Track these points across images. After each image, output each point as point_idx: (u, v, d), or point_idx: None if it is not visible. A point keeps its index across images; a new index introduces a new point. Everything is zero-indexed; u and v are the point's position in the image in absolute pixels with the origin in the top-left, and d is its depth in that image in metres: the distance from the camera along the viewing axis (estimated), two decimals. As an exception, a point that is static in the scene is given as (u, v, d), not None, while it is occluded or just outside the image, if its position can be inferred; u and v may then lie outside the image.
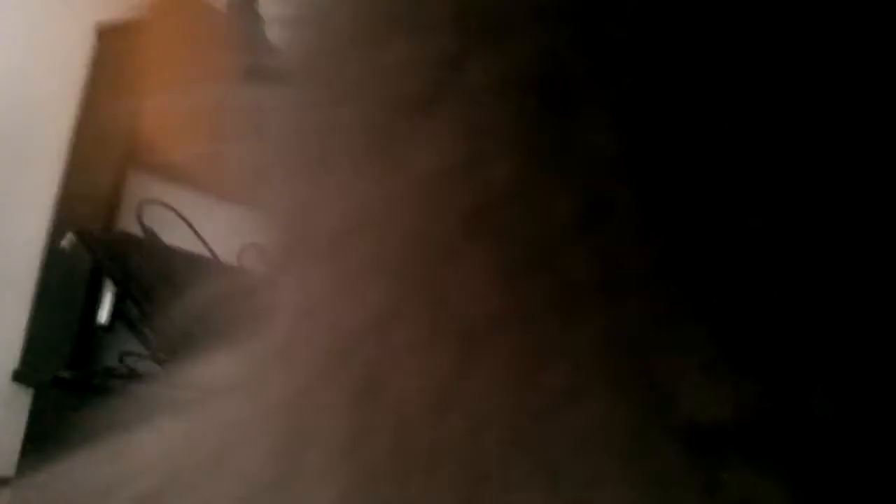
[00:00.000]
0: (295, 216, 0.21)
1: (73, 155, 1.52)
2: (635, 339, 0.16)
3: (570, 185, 0.16)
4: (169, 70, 1.06)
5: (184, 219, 1.60)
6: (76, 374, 1.43)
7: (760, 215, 0.16)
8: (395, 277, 0.17)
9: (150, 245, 1.55)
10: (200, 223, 1.47)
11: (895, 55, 0.16)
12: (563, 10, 0.16)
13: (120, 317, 1.47)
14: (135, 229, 1.55)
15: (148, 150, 1.42)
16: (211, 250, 1.38)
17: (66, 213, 1.50)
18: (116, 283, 1.46)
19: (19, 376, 1.49)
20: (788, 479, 0.18)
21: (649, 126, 0.16)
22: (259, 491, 0.19)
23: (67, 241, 1.47)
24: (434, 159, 0.17)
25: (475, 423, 0.16)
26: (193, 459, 0.24)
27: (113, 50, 1.50)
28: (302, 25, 0.23)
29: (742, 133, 0.16)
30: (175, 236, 1.56)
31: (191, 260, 1.39)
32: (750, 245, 0.17)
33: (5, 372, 1.49)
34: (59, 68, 1.49)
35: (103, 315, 1.44)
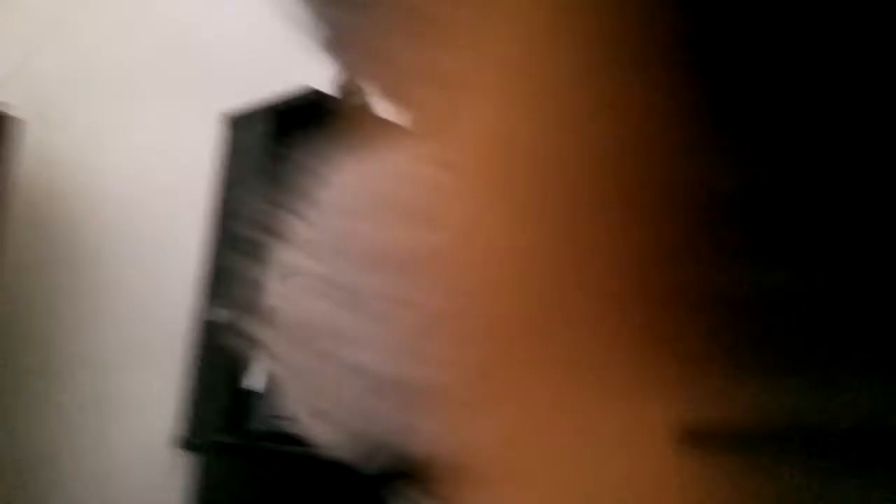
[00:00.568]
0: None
1: (212, 234, 1.65)
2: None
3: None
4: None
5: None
6: (234, 439, 1.53)
7: None
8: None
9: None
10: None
11: None
12: None
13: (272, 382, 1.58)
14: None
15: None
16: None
17: (212, 286, 1.63)
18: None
19: (181, 442, 1.61)
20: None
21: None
22: None
23: (215, 314, 1.60)
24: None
25: None
26: None
27: (239, 136, 1.63)
28: None
29: None
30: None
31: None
32: None
33: (165, 438, 1.61)
34: (193, 154, 1.64)
35: (254, 381, 1.56)
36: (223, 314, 1.54)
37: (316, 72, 1.49)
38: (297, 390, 0.43)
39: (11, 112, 1.09)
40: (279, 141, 1.56)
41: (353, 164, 0.47)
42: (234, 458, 1.59)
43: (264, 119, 1.57)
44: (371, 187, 0.42)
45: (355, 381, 0.38)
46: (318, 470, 1.68)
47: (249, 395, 1.56)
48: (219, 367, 1.57)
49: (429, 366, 0.31)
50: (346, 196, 0.43)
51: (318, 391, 0.40)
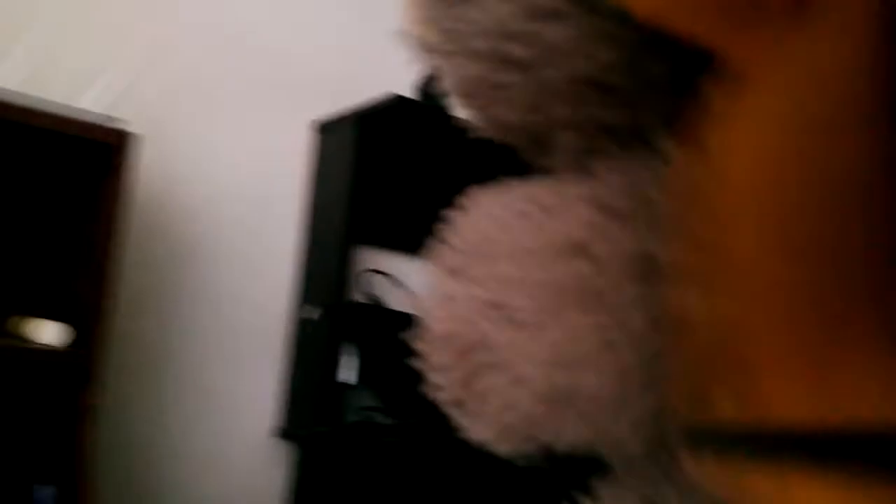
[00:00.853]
0: None
1: (304, 236, 1.74)
2: None
3: None
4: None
5: (400, 283, 1.79)
6: (329, 429, 1.61)
7: None
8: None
9: (376, 309, 1.74)
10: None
11: None
12: None
13: (361, 375, 1.66)
14: (360, 297, 1.75)
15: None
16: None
17: (305, 285, 1.72)
18: (355, 346, 1.66)
19: (280, 432, 1.71)
20: None
21: None
22: None
23: (309, 311, 1.69)
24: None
25: None
26: None
27: (328, 142, 1.71)
28: None
29: None
30: (393, 298, 1.74)
31: (409, 319, 1.52)
32: None
33: (265, 429, 1.71)
34: (285, 161, 1.73)
35: (347, 374, 1.64)
36: (315, 312, 1.62)
37: (399, 79, 1.55)
38: (455, 395, 0.47)
39: (128, 128, 1.18)
40: (366, 145, 1.63)
41: (497, 198, 0.50)
42: (329, 448, 1.67)
43: (352, 125, 1.64)
44: (516, 222, 0.46)
45: (516, 390, 0.42)
46: (407, 458, 1.74)
47: (343, 388, 1.64)
48: (314, 361, 1.66)
49: (587, 371, 0.35)
50: (491, 229, 0.47)
51: (477, 397, 0.44)
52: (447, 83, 0.42)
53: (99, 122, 1.17)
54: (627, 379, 0.38)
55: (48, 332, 1.13)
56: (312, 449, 1.69)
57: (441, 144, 1.72)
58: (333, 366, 1.63)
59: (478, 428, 0.44)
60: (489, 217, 0.48)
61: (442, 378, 0.46)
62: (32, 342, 1.13)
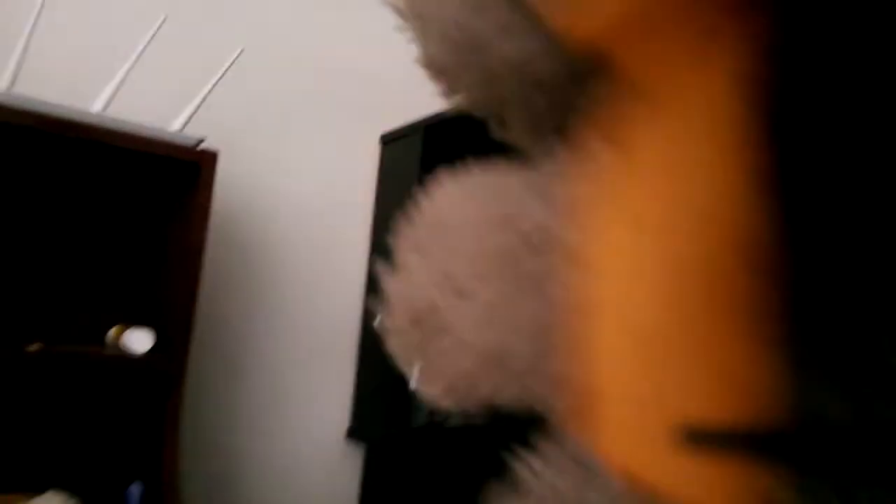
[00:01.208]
0: None
1: (373, 245, 1.80)
2: None
3: None
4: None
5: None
6: (401, 432, 1.66)
7: None
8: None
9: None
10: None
11: None
12: None
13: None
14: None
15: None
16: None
17: (375, 293, 1.77)
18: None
19: (353, 433, 1.77)
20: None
21: None
22: None
23: (378, 318, 1.74)
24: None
25: None
26: None
27: (395, 154, 1.77)
28: None
29: None
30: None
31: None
32: None
33: (340, 430, 1.77)
34: (355, 173, 1.79)
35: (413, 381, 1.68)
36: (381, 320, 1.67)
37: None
38: (409, 357, 0.51)
39: (209, 147, 1.26)
40: (431, 156, 1.68)
41: (457, 181, 0.54)
42: (399, 450, 1.71)
43: (418, 137, 1.69)
44: (480, 204, 0.51)
45: (459, 351, 0.46)
46: (475, 461, 1.78)
47: (413, 391, 1.68)
48: (384, 366, 1.70)
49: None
50: (454, 206, 0.51)
51: (428, 358, 0.48)
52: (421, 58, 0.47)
53: (183, 142, 1.25)
54: (542, 340, 0.41)
55: (137, 339, 1.22)
56: (382, 451, 1.74)
57: (505, 153, 1.75)
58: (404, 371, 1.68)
59: (428, 387, 0.49)
60: (447, 197, 0.49)
61: (398, 342, 0.46)
62: (122, 350, 1.22)
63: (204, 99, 1.26)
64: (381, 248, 1.77)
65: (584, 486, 0.45)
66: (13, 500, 1.03)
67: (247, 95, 1.58)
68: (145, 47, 1.23)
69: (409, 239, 0.53)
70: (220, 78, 1.27)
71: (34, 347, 1.14)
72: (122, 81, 1.22)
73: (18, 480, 1.10)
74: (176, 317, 1.24)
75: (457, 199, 0.53)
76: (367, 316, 1.77)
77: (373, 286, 1.81)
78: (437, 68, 0.48)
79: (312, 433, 1.73)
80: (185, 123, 1.26)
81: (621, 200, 0.29)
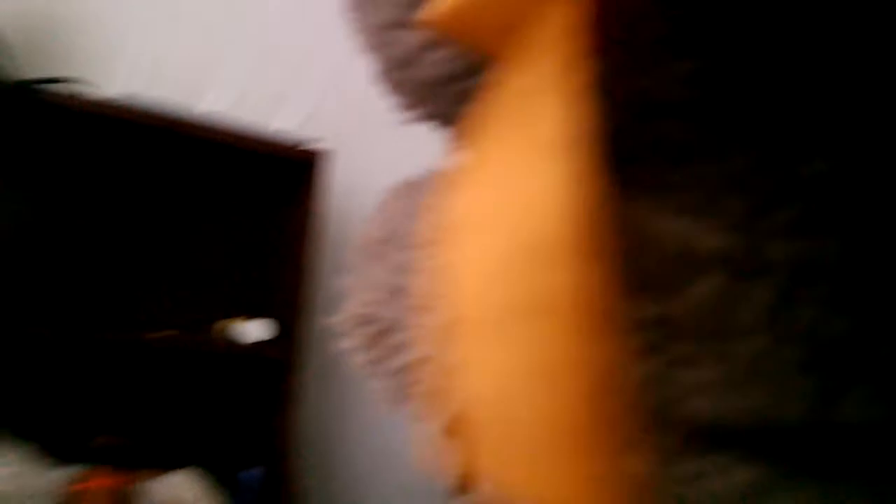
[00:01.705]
0: None
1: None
2: None
3: None
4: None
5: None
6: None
7: None
8: None
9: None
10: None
11: None
12: None
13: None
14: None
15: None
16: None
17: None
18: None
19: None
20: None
21: None
22: None
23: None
24: None
25: None
26: None
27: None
28: None
29: None
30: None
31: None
32: None
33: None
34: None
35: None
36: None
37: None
38: (372, 372, 0.50)
39: (319, 146, 1.31)
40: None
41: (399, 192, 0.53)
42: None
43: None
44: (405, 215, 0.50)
45: (422, 367, 0.44)
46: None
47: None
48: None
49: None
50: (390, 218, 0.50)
51: (391, 373, 0.47)
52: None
53: (295, 142, 1.30)
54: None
55: (255, 329, 1.27)
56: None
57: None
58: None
59: (392, 402, 0.47)
60: (402, 208, 0.51)
61: (361, 357, 0.49)
62: (240, 339, 1.27)
63: (311, 99, 1.32)
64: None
65: None
66: (149, 476, 1.08)
67: (354, 97, 1.62)
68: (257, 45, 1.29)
69: (367, 249, 0.52)
70: (330, 79, 1.32)
71: (161, 335, 1.20)
72: (234, 83, 1.28)
73: (151, 460, 1.15)
74: (292, 307, 1.29)
75: (410, 209, 0.52)
76: None
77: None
78: (388, 84, 0.48)
79: (408, 428, 1.75)
80: (298, 124, 1.32)
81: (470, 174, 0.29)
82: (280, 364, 1.28)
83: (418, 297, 0.43)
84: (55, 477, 0.97)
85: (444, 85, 0.43)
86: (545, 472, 0.24)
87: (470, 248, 0.27)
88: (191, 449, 1.25)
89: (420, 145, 1.68)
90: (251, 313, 1.33)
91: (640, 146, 0.28)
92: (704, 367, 0.26)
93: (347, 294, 0.53)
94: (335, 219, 1.49)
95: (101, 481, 0.96)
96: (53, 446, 1.06)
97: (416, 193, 0.52)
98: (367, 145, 1.65)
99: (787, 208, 0.26)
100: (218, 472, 1.18)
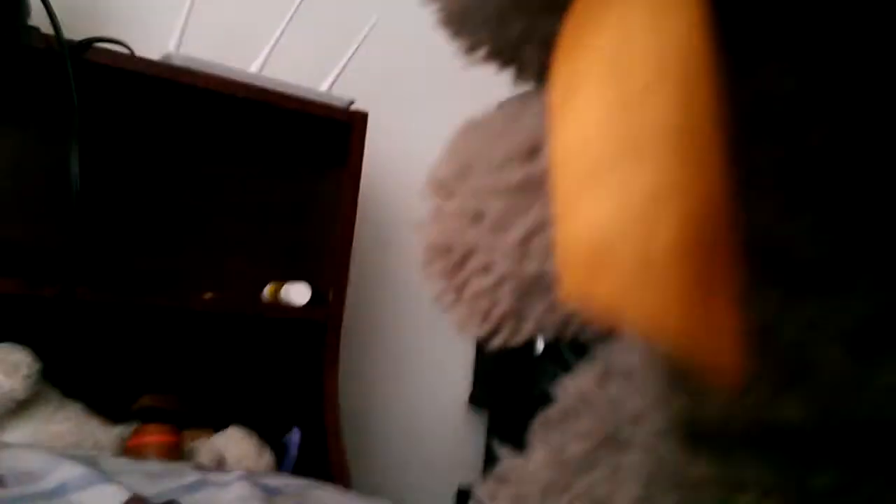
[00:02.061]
0: None
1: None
2: None
3: None
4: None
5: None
6: (521, 398, 1.68)
7: None
8: None
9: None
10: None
11: None
12: None
13: (549, 347, 1.72)
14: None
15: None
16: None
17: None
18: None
19: (475, 399, 1.80)
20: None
21: None
22: None
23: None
24: None
25: None
26: None
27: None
28: None
29: None
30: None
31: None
32: None
33: (461, 397, 1.81)
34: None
35: (538, 346, 1.70)
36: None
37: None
38: (451, 299, 0.51)
39: (360, 109, 1.30)
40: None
41: (478, 123, 0.54)
42: (522, 417, 1.74)
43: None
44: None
45: (500, 288, 0.46)
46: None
47: (535, 360, 1.70)
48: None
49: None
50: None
51: (469, 299, 0.48)
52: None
53: (336, 103, 1.29)
54: None
55: (296, 292, 1.27)
56: (504, 417, 1.76)
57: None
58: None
59: (470, 327, 0.47)
60: (474, 136, 0.51)
61: (440, 285, 0.49)
62: (284, 306, 1.27)
63: (345, 65, 1.31)
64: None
65: (604, 382, 0.45)
66: (196, 435, 1.09)
67: (381, 65, 1.60)
68: (294, 13, 1.28)
69: (439, 181, 0.53)
70: (358, 46, 1.31)
71: (207, 296, 1.20)
72: (276, 43, 1.27)
73: (196, 420, 1.16)
74: (331, 271, 1.29)
75: (484, 136, 0.53)
76: None
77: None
78: (452, 23, 0.48)
79: (436, 398, 1.77)
80: (330, 86, 1.31)
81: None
82: (321, 327, 1.28)
83: (497, 220, 0.45)
84: (112, 431, 0.98)
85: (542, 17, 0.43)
86: (655, 297, 0.24)
87: (577, 104, 0.27)
88: (234, 411, 1.26)
89: (441, 119, 1.67)
90: (292, 276, 1.33)
91: None
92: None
93: (423, 229, 0.54)
94: (372, 183, 1.48)
95: (154, 437, 0.97)
96: (101, 406, 1.07)
97: (483, 128, 0.53)
98: (404, 110, 1.64)
99: None
100: (261, 433, 1.19)
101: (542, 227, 0.44)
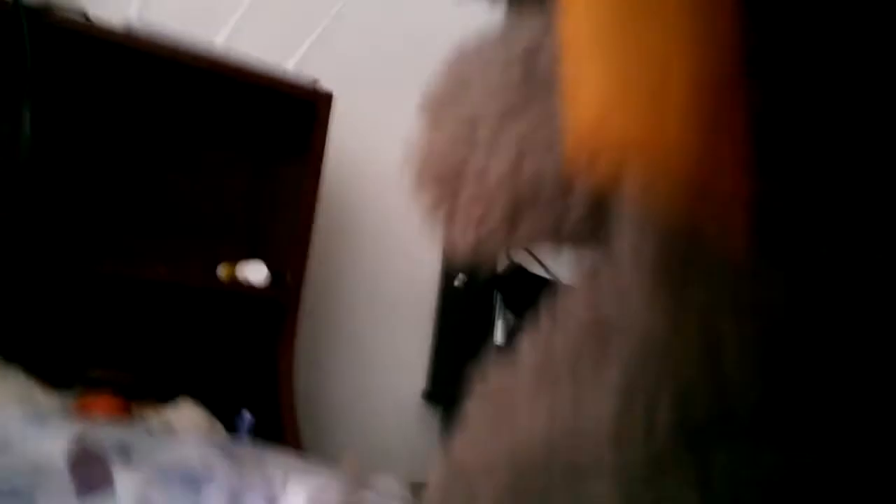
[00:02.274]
0: None
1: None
2: None
3: None
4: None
5: (532, 254, 1.85)
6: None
7: None
8: None
9: (521, 275, 1.80)
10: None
11: None
12: None
13: (511, 336, 1.72)
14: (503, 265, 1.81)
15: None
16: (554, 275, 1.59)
17: (451, 257, 1.79)
18: (507, 308, 1.73)
19: (429, 396, 1.78)
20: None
21: None
22: None
23: (460, 280, 1.77)
24: None
25: None
26: None
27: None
28: None
29: None
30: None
31: (546, 283, 1.59)
32: None
33: (417, 392, 1.79)
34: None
35: (498, 336, 1.71)
36: (463, 280, 1.70)
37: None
38: (443, 221, 0.51)
39: (320, 87, 1.29)
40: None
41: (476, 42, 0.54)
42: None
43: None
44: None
45: (501, 193, 0.46)
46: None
47: (494, 349, 1.70)
48: (462, 327, 1.73)
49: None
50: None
51: (461, 217, 0.48)
52: None
53: (301, 81, 1.29)
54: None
55: (254, 272, 1.25)
56: (458, 414, 1.75)
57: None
58: (484, 329, 1.70)
59: (462, 240, 0.47)
60: (469, 58, 0.51)
61: (432, 210, 0.49)
62: (241, 284, 1.25)
63: (311, 43, 1.30)
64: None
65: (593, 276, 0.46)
66: (146, 407, 1.06)
67: (346, 49, 1.58)
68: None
69: (430, 110, 0.54)
70: (324, 28, 1.30)
71: (161, 270, 1.18)
72: (242, 18, 1.26)
73: (148, 392, 1.13)
74: (290, 252, 1.27)
75: (475, 55, 0.54)
76: (446, 279, 1.79)
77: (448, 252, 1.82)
78: None
79: (391, 393, 1.75)
80: (295, 66, 1.30)
81: None
82: (279, 307, 1.26)
83: (495, 123, 0.45)
84: (56, 398, 0.94)
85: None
86: (670, 127, 0.25)
87: None
88: (186, 387, 1.23)
89: (400, 108, 1.66)
90: (250, 256, 1.31)
91: None
92: None
93: (416, 151, 0.53)
94: (336, 168, 1.47)
95: (102, 403, 0.94)
96: (51, 375, 1.03)
97: (477, 50, 0.53)
98: (349, 101, 1.62)
99: None
100: (214, 411, 1.16)
101: (541, 123, 0.44)
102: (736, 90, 0.27)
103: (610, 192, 0.31)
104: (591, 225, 0.42)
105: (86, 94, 1.26)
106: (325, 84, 1.31)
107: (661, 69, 0.26)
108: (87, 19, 1.12)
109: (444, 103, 0.51)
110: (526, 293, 1.74)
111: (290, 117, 1.33)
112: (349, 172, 1.60)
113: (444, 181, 0.48)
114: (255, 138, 1.42)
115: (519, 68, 0.46)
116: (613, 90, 0.27)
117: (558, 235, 0.44)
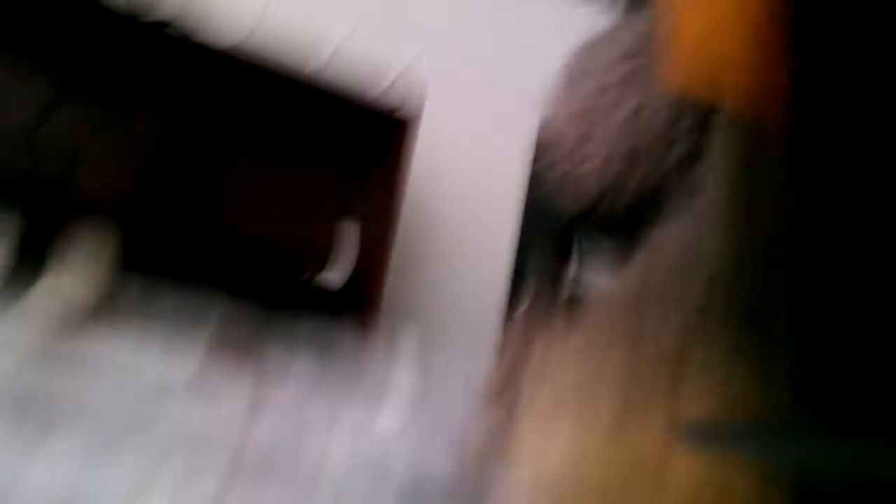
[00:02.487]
0: None
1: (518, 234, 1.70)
2: None
3: None
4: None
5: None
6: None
7: None
8: None
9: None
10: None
11: None
12: None
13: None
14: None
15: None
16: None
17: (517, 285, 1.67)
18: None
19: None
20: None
21: None
22: None
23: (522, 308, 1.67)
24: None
25: None
26: None
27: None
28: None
29: None
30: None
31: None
32: None
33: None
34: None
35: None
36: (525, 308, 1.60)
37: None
38: (563, 181, 0.59)
39: (405, 113, 1.32)
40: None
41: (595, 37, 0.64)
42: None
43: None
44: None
45: (607, 163, 0.55)
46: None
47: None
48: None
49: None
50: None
51: (579, 178, 0.57)
52: None
53: (391, 103, 1.29)
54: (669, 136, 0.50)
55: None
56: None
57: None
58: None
59: (582, 191, 0.55)
60: (587, 53, 0.59)
61: (554, 171, 0.57)
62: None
63: (401, 73, 1.33)
64: (526, 238, 1.68)
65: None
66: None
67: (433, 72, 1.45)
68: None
69: (562, 83, 0.61)
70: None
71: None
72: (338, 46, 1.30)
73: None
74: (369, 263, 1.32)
75: (591, 55, 0.60)
76: (510, 305, 1.70)
77: (515, 278, 1.61)
78: None
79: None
80: (391, 87, 1.30)
81: None
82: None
83: (604, 109, 0.53)
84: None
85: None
86: (739, 67, 0.37)
87: None
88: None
89: (472, 134, 1.56)
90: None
91: None
92: None
93: (541, 132, 0.64)
94: (417, 184, 1.35)
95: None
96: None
97: (592, 48, 0.60)
98: (453, 114, 1.42)
99: None
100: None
101: (639, 110, 0.52)
102: (780, 23, 0.36)
103: (711, 100, 0.39)
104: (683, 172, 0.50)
105: (189, 105, 1.22)
106: (415, 102, 1.32)
107: (738, 6, 0.36)
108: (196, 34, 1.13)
109: (577, 74, 0.59)
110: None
111: (376, 135, 1.29)
112: (433, 193, 1.51)
113: (565, 158, 0.57)
114: (342, 154, 1.34)
115: (622, 65, 0.54)
116: (710, 24, 0.37)
117: (659, 184, 0.52)
